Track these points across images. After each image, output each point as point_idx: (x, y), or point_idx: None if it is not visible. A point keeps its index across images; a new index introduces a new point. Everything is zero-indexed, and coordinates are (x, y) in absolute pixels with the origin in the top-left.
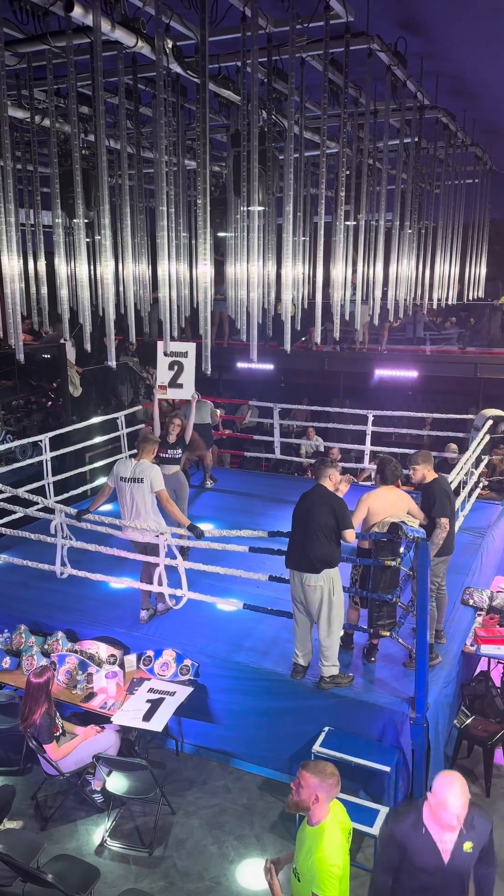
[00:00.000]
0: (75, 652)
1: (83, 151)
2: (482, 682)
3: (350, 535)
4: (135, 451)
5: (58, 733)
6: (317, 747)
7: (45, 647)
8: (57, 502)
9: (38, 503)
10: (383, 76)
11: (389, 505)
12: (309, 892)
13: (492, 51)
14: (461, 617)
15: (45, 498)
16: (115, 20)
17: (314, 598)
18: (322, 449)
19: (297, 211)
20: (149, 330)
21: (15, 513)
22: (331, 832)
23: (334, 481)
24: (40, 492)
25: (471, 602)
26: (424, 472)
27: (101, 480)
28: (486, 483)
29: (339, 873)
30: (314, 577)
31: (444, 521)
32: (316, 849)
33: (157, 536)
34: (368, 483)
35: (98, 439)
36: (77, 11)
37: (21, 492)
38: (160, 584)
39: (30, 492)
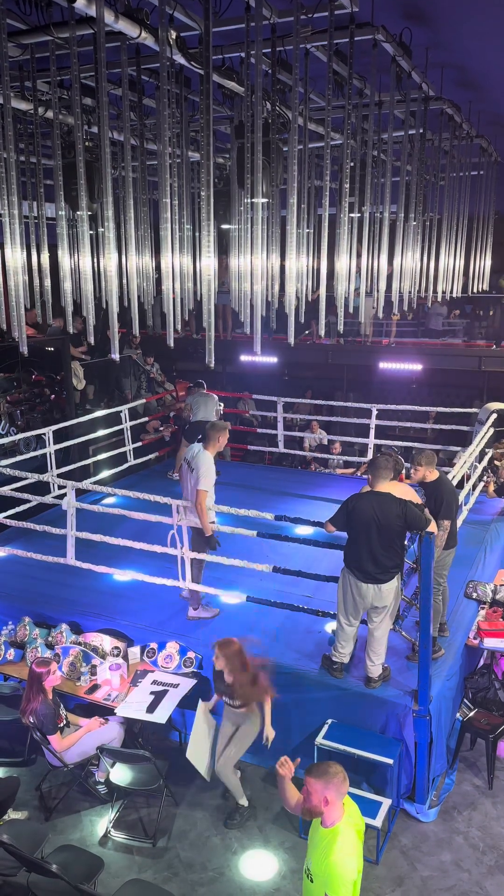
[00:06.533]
0: (79, 644)
1: (86, 143)
2: (485, 675)
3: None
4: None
5: (62, 724)
6: (319, 739)
7: (49, 639)
8: (57, 497)
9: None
10: (388, 67)
11: None
12: (322, 893)
13: (498, 42)
14: (464, 610)
15: (49, 492)
16: (118, 11)
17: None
18: (325, 442)
19: (301, 203)
20: (152, 323)
21: (19, 505)
22: (345, 835)
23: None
24: (44, 485)
25: (474, 595)
26: (426, 472)
27: (105, 474)
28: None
29: (354, 877)
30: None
31: (447, 522)
32: (330, 852)
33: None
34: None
35: (101, 432)
36: (80, 2)
37: (35, 476)
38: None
39: (33, 485)
